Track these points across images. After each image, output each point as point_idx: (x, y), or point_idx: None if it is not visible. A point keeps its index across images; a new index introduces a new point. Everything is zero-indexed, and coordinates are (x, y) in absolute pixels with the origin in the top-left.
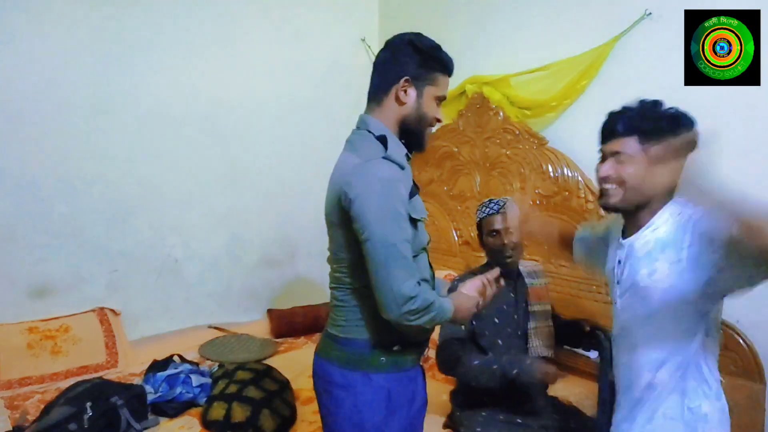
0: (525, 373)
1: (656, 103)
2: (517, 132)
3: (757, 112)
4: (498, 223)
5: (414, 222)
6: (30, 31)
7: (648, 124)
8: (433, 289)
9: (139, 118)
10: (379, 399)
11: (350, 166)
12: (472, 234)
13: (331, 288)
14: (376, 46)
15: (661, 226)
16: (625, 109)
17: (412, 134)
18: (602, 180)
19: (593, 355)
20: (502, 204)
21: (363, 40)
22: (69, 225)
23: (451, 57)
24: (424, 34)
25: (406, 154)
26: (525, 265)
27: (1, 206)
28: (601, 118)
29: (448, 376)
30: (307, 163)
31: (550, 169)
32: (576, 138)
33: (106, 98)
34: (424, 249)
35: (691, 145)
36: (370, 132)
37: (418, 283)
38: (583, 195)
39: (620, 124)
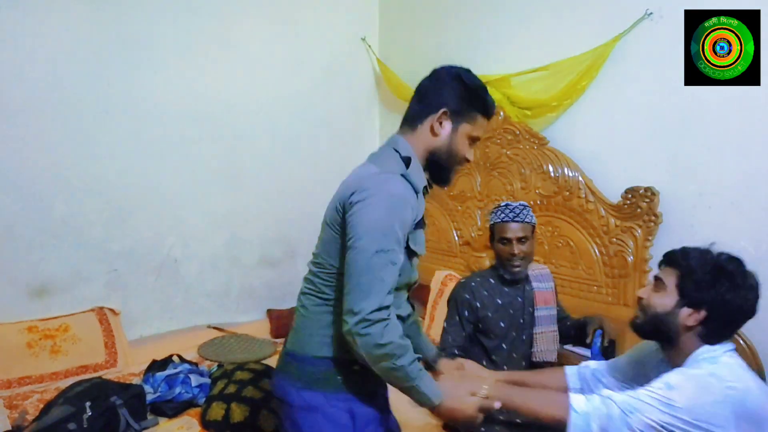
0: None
1: (724, 260)
2: (518, 132)
3: (757, 112)
4: (510, 232)
5: (410, 254)
6: (30, 31)
7: (693, 265)
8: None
9: (139, 118)
10: (342, 421)
11: (366, 174)
12: (473, 234)
13: (302, 294)
14: (377, 45)
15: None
16: (693, 249)
17: (439, 167)
18: (637, 300)
19: None
20: (517, 212)
21: (363, 39)
22: (68, 225)
23: (494, 101)
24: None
25: (425, 187)
26: (533, 269)
27: (1, 206)
28: (602, 118)
29: None
30: (306, 163)
31: (551, 169)
32: (576, 138)
33: (106, 98)
34: (408, 286)
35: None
36: (396, 151)
37: (400, 318)
38: (583, 195)
39: (675, 256)
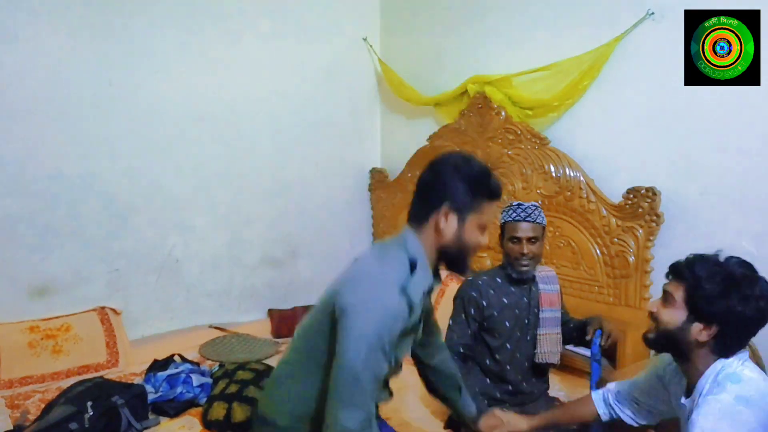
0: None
1: (732, 269)
2: (519, 132)
3: (757, 112)
4: (521, 232)
5: (394, 360)
6: (32, 31)
7: (700, 276)
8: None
9: (140, 118)
10: None
11: (366, 274)
12: None
13: (281, 362)
14: (378, 45)
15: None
16: (699, 258)
17: (453, 260)
18: (648, 314)
19: None
20: (529, 212)
21: (365, 39)
22: (70, 224)
23: (499, 182)
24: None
25: (431, 286)
26: (540, 270)
27: (2, 205)
28: (603, 118)
29: None
30: (308, 163)
31: (552, 169)
32: (578, 138)
33: (108, 98)
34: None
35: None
36: (406, 250)
37: (370, 420)
38: (585, 195)
39: (681, 268)
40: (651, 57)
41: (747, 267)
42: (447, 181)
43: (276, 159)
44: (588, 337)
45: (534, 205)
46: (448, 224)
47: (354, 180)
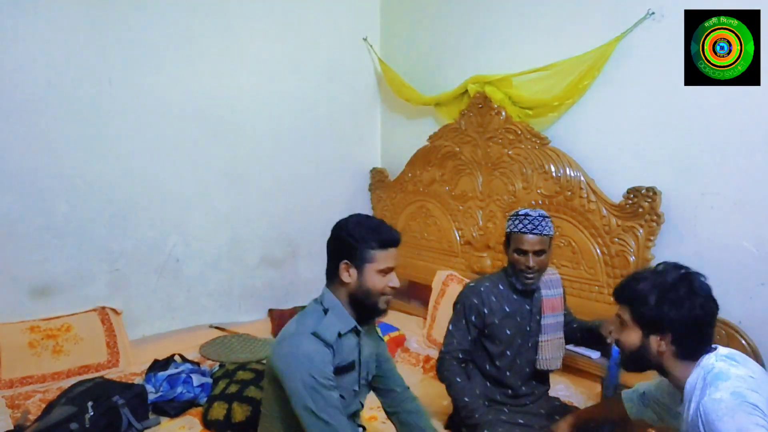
0: (479, 424)
1: (662, 276)
2: (519, 132)
3: (760, 112)
4: (527, 244)
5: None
6: (32, 30)
7: (637, 294)
8: None
9: (141, 117)
10: None
11: (284, 336)
12: (474, 234)
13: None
14: (378, 45)
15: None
16: (634, 277)
17: (363, 306)
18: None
19: (594, 355)
20: (536, 224)
21: (365, 39)
22: (70, 224)
23: (391, 231)
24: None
25: (355, 326)
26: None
27: (3, 205)
28: (604, 118)
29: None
30: (308, 162)
31: (553, 168)
32: (578, 138)
33: (108, 97)
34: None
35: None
36: (321, 303)
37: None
38: (585, 195)
39: (621, 290)
40: (652, 57)
41: (679, 271)
42: (338, 242)
43: (276, 159)
44: (609, 341)
45: (542, 215)
46: (351, 276)
47: (354, 180)
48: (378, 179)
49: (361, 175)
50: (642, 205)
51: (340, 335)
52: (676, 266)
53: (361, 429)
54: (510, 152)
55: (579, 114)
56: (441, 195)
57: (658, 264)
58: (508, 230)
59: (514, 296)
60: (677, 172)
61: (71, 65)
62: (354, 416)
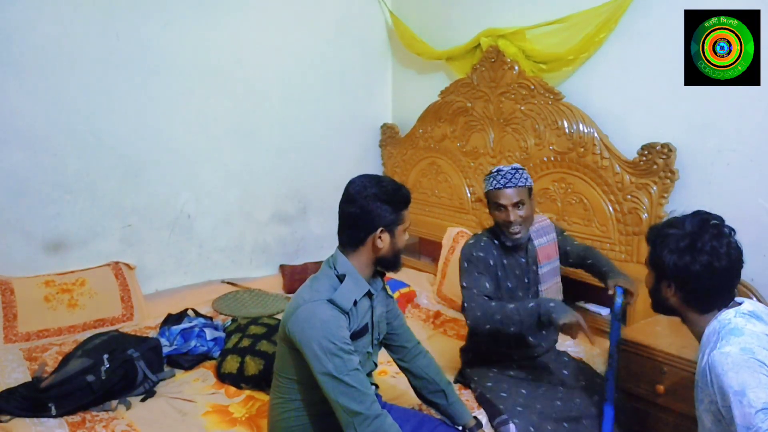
0: (554, 314)
1: (666, 225)
2: (532, 87)
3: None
4: (504, 198)
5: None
6: None
7: (655, 240)
8: None
9: (151, 73)
10: None
11: (298, 302)
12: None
13: (270, 395)
14: (390, 0)
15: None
16: (662, 223)
17: (389, 263)
18: None
19: (604, 311)
20: (509, 177)
21: None
22: (82, 180)
23: (408, 190)
24: None
25: (368, 290)
26: (534, 222)
27: (15, 161)
28: (619, 73)
29: (479, 327)
30: (318, 118)
31: (566, 124)
32: (593, 93)
33: (118, 52)
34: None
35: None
36: (334, 267)
37: (372, 402)
38: (598, 152)
39: (647, 232)
40: (671, 8)
41: (699, 221)
42: (374, 209)
43: (287, 115)
44: (610, 292)
45: (514, 168)
46: (384, 241)
47: (365, 136)
48: (389, 135)
49: (372, 131)
50: (656, 162)
51: (355, 303)
52: (701, 217)
53: (374, 387)
54: (522, 108)
55: (593, 69)
56: (452, 151)
57: (695, 211)
58: (485, 190)
59: (508, 252)
60: (693, 128)
61: (80, 20)
62: (368, 376)
